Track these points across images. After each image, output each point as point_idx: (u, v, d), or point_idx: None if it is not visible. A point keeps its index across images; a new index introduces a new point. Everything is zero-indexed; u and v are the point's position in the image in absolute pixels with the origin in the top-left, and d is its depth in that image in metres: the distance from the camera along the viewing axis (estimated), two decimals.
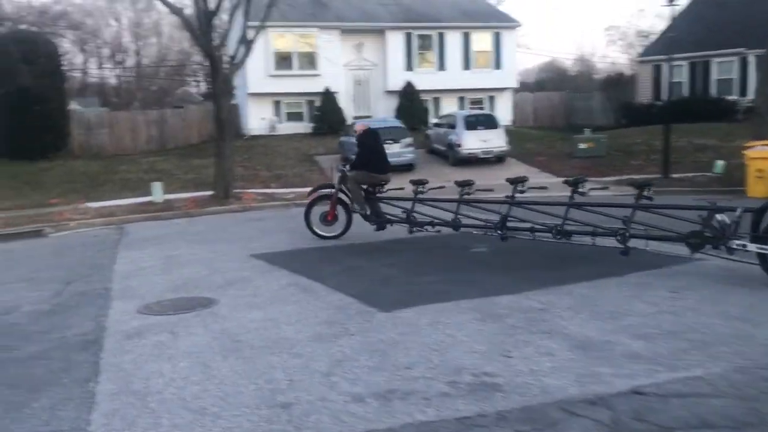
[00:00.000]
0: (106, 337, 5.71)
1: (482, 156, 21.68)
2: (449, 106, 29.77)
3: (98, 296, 7.38)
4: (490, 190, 9.47)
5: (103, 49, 58.74)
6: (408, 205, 9.83)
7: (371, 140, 10.44)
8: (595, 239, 7.71)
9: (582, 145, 22.48)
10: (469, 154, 21.60)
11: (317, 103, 28.43)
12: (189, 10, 16.83)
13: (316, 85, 27.97)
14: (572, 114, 36.37)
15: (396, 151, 20.88)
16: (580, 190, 8.03)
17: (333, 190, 10.48)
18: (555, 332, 5.24)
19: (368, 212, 10.17)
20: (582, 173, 18.23)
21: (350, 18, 29.22)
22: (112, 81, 61.26)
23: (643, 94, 31.89)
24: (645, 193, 7.48)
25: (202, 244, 10.72)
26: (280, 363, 4.81)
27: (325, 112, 28.03)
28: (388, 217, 10.10)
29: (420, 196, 9.73)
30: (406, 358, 4.77)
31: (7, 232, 13.92)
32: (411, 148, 21.23)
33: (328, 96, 27.95)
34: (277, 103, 29.12)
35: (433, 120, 27.72)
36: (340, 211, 10.41)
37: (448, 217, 9.24)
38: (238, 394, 4.31)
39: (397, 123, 22.27)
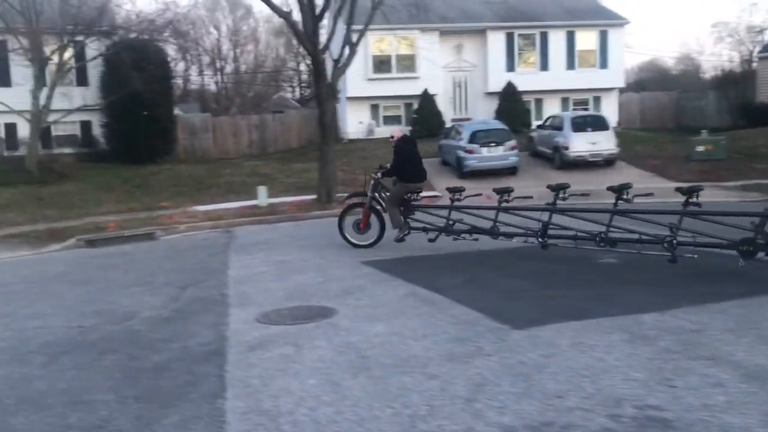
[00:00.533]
0: (229, 348, 5.53)
1: (590, 159, 20.71)
2: (552, 108, 28.80)
3: (215, 303, 7.28)
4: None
5: (204, 57, 60.78)
6: (446, 213, 9.62)
7: (407, 148, 10.15)
8: (641, 247, 7.49)
9: (699, 148, 21.08)
10: (577, 157, 20.68)
11: (415, 106, 28.16)
12: (295, 15, 16.80)
13: (414, 88, 27.70)
14: (682, 115, 34.48)
15: (499, 154, 20.31)
16: (624, 197, 7.82)
17: (366, 198, 10.28)
18: (720, 359, 4.63)
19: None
20: (701, 178, 17.19)
21: (451, 18, 28.79)
22: (212, 87, 63.23)
23: (764, 93, 29.80)
24: (692, 199, 7.28)
25: (311, 249, 10.55)
26: (414, 384, 4.45)
27: (424, 115, 27.71)
28: (423, 225, 9.80)
29: (456, 203, 9.51)
30: (555, 385, 4.31)
31: (121, 234, 14.31)
32: (515, 151, 20.55)
33: (426, 98, 27.62)
34: (374, 107, 29.06)
35: (536, 122, 26.89)
36: (373, 219, 10.28)
37: (488, 224, 9.06)
38: (375, 419, 3.97)
39: (500, 125, 21.63)
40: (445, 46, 28.59)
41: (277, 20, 64.73)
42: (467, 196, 9.52)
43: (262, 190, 16.90)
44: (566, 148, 20.77)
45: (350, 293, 7.24)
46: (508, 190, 8.94)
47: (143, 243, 13.53)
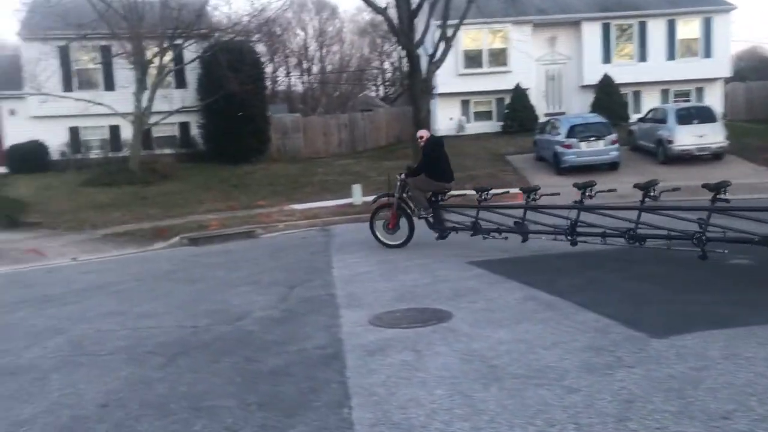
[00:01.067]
0: (346, 353, 5.33)
1: (697, 153, 19.58)
2: (651, 100, 27.48)
3: (325, 303, 7.13)
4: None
5: (290, 58, 61.75)
6: (474, 212, 9.73)
7: (434, 149, 10.36)
8: (670, 243, 7.53)
9: None
10: (682, 150, 19.58)
11: (507, 101, 27.50)
12: (391, 11, 16.60)
13: (505, 83, 27.07)
14: None
15: (599, 148, 19.48)
16: (652, 194, 7.81)
17: (395, 199, 10.48)
18: None
19: (432, 218, 10.14)
20: None
21: (545, 10, 27.96)
22: (298, 88, 64.19)
23: None
24: (720, 195, 7.17)
25: (413, 248, 10.28)
26: (554, 399, 4.09)
27: (516, 110, 27.03)
28: (453, 225, 10.04)
29: (484, 203, 9.63)
30: (715, 404, 3.85)
31: (223, 232, 14.52)
32: (615, 146, 19.65)
33: (518, 93, 26.93)
34: (465, 103, 28.58)
35: (634, 115, 25.76)
36: (402, 220, 10.47)
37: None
38: None
39: (600, 119, 20.73)
40: (538, 39, 27.78)
41: (362, 20, 65.29)
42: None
43: (356, 189, 16.81)
44: (671, 142, 19.70)
45: (463, 295, 6.93)
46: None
47: (244, 241, 13.67)
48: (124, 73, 24.42)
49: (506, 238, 9.24)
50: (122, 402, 4.60)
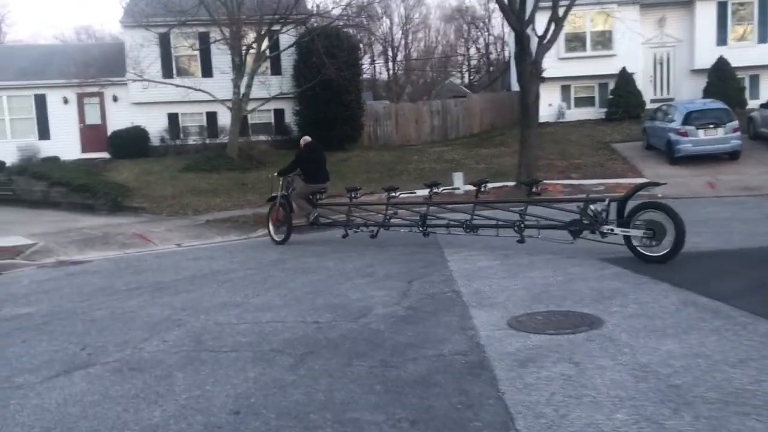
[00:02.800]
0: (492, 361, 4.75)
1: None
2: None
3: (450, 301, 6.58)
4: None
5: (375, 45, 61.47)
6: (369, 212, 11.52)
7: (308, 153, 11.87)
8: (498, 231, 9.18)
9: None
10: None
11: (611, 86, 26.13)
12: None
13: (609, 67, 25.74)
14: None
15: (719, 137, 18.10)
16: (482, 190, 9.90)
17: (278, 195, 11.83)
18: None
19: (312, 218, 11.77)
20: None
21: None
22: (383, 76, 63.91)
23: None
24: (533, 189, 8.98)
25: (528, 241, 9.59)
26: None
27: (621, 96, 25.64)
28: (329, 220, 11.99)
29: (354, 201, 11.37)
30: None
31: (324, 221, 14.21)
32: (737, 134, 18.21)
33: (624, 77, 25.51)
34: (565, 88, 27.40)
35: (753, 101, 23.95)
36: (286, 216, 11.73)
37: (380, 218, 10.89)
38: None
39: (720, 104, 19.25)
40: (646, 20, 26.24)
41: (449, 6, 64.43)
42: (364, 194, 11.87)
43: (458, 176, 16.19)
44: None
45: (608, 298, 6.23)
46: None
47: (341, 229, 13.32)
48: (221, 59, 24.62)
49: (373, 231, 10.91)
50: (255, 409, 4.19)
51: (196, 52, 24.90)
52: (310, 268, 9.01)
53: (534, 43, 15.75)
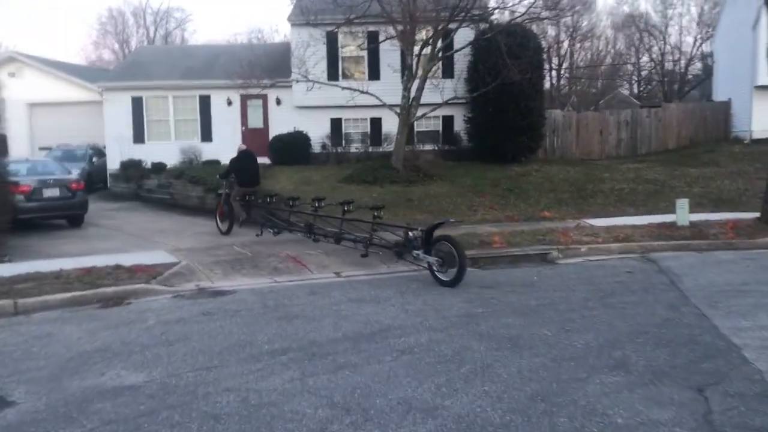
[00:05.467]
0: None
1: None
2: None
3: None
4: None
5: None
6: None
7: (239, 161, 13.93)
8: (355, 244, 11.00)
9: None
10: None
11: None
12: None
13: None
14: None
15: None
16: (346, 208, 11.49)
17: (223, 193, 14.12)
18: None
19: (241, 222, 13.67)
20: None
21: None
22: (545, 84, 60.18)
23: None
24: (376, 213, 10.65)
25: None
26: None
27: None
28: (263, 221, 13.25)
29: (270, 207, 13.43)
30: None
31: (510, 252, 11.49)
32: None
33: None
34: None
35: None
36: (228, 212, 13.80)
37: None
38: None
39: None
40: None
41: (622, 13, 59.50)
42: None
43: (682, 204, 12.75)
44: None
45: None
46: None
47: (539, 267, 10.55)
48: (389, 61, 22.62)
49: (278, 232, 12.75)
50: None
51: (364, 53, 23.06)
52: (519, 338, 6.33)
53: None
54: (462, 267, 8.93)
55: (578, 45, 60.70)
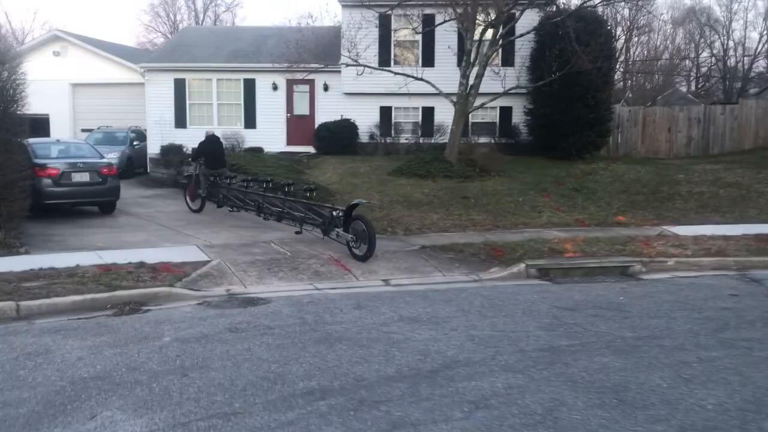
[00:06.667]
0: None
1: None
2: None
3: None
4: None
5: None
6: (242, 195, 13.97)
7: (206, 145, 14.98)
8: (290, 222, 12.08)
9: None
10: None
11: None
12: None
13: None
14: None
15: None
16: (287, 189, 12.44)
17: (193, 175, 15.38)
18: None
19: (203, 194, 14.78)
20: None
21: None
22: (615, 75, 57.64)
23: None
24: (308, 195, 11.94)
25: None
26: None
27: None
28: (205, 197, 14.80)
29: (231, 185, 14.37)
30: None
31: (585, 264, 10.01)
32: None
33: None
34: None
35: None
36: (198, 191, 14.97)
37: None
38: None
39: None
40: None
41: (682, 6, 56.70)
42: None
43: None
44: None
45: None
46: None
47: (620, 283, 9.08)
48: (444, 47, 21.15)
49: (237, 210, 13.93)
50: None
51: (417, 38, 21.60)
52: (625, 389, 4.89)
53: None
54: (371, 243, 9.93)
55: (635, 39, 58.10)
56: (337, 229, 10.56)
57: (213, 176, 14.70)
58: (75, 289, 7.89)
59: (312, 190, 12.03)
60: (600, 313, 7.32)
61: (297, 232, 11.53)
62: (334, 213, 10.76)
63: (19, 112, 11.03)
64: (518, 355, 5.80)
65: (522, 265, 9.86)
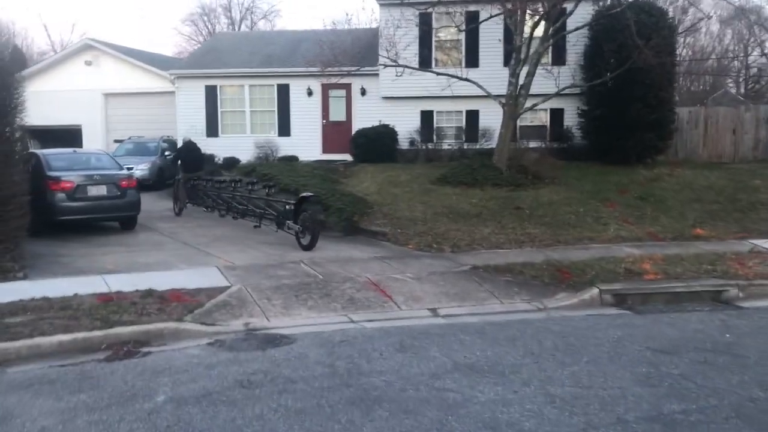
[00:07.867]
0: None
1: None
2: None
3: None
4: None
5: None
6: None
7: (184, 152, 16.40)
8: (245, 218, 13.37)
9: None
10: None
11: None
12: None
13: None
14: None
15: None
16: (250, 188, 13.57)
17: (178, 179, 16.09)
18: None
19: (181, 198, 15.64)
20: None
21: None
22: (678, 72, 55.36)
23: None
24: (268, 191, 12.84)
25: None
26: None
27: None
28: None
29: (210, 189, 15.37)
30: None
31: (670, 287, 8.44)
32: None
33: None
34: None
35: None
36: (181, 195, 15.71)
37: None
38: None
39: None
40: None
41: (731, 4, 54.05)
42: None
43: None
44: None
45: None
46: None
47: (716, 313, 7.52)
48: (490, 45, 19.71)
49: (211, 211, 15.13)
50: None
51: (460, 36, 20.17)
52: None
53: None
54: (314, 234, 10.74)
55: (681, 40, 55.70)
56: (288, 222, 11.23)
57: (191, 180, 15.77)
58: (65, 326, 6.64)
59: (271, 187, 13.06)
60: (708, 359, 5.78)
61: (255, 226, 12.63)
62: (287, 207, 11.54)
63: (17, 121, 9.92)
64: (618, 429, 4.31)
65: (595, 290, 8.34)
